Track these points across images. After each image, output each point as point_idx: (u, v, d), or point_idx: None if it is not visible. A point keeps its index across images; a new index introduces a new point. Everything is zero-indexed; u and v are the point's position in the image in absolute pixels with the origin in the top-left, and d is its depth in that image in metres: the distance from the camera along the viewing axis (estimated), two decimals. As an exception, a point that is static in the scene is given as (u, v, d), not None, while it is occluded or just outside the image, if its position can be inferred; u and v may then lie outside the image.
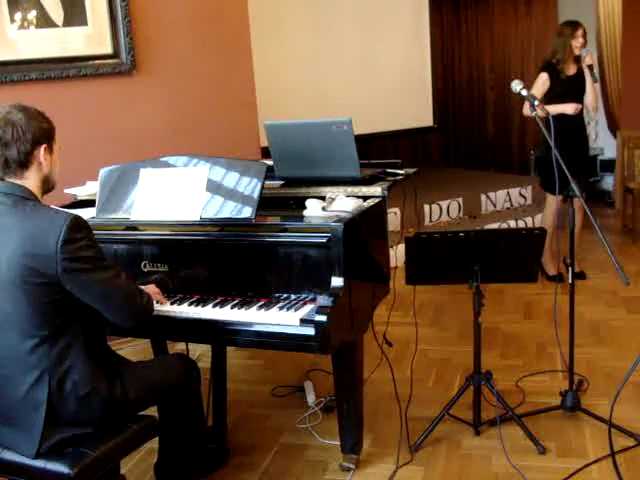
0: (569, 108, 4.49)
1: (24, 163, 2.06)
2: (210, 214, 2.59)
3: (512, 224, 6.06)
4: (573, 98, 4.53)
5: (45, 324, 2.01)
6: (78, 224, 2.01)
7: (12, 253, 1.97)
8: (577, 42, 4.46)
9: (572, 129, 4.57)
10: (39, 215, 2.03)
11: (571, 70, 4.55)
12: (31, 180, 2.09)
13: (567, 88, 4.55)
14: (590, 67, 4.46)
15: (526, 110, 4.31)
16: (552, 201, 4.66)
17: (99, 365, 2.13)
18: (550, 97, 4.59)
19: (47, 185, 2.15)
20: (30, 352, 2.02)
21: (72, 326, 2.07)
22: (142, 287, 2.36)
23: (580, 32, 4.47)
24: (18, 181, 2.07)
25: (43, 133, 2.08)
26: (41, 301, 2.00)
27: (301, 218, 2.60)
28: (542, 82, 4.59)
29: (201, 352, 3.75)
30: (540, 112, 2.92)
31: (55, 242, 1.95)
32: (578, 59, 4.55)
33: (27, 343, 2.02)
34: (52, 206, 2.19)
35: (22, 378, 2.04)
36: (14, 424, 2.08)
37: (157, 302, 2.44)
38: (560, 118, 4.48)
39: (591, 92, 4.54)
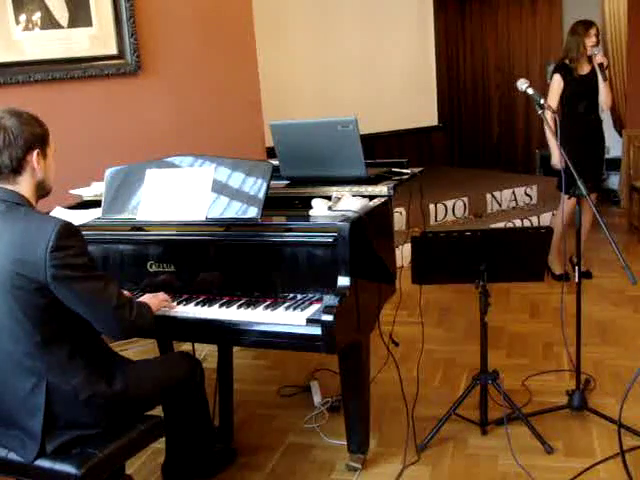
0: (556, 154, 4.45)
1: (16, 169, 2.02)
2: (216, 214, 2.59)
3: (518, 223, 6.04)
4: (587, 97, 4.51)
5: (37, 330, 1.99)
6: (68, 231, 1.96)
7: (2, 259, 1.95)
8: (590, 41, 4.43)
9: (588, 129, 4.56)
10: (30, 221, 1.99)
11: (584, 69, 4.53)
12: (24, 186, 2.05)
13: (581, 87, 4.52)
14: (601, 65, 4.42)
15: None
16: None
17: (98, 368, 2.11)
18: (564, 97, 4.57)
19: (41, 190, 2.11)
20: (25, 357, 2.01)
21: (67, 332, 2.04)
22: (149, 296, 2.38)
23: (593, 31, 4.45)
24: (10, 187, 2.04)
25: (36, 138, 2.04)
26: (32, 307, 1.97)
27: (307, 218, 2.60)
28: (557, 84, 4.56)
29: (207, 352, 3.75)
30: (548, 112, 2.91)
31: (44, 249, 1.91)
32: (591, 58, 4.50)
33: (21, 348, 2.00)
34: (50, 212, 2.16)
35: (20, 383, 2.03)
36: (14, 428, 2.07)
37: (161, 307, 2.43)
38: (576, 119, 4.48)
39: (604, 91, 4.49)
